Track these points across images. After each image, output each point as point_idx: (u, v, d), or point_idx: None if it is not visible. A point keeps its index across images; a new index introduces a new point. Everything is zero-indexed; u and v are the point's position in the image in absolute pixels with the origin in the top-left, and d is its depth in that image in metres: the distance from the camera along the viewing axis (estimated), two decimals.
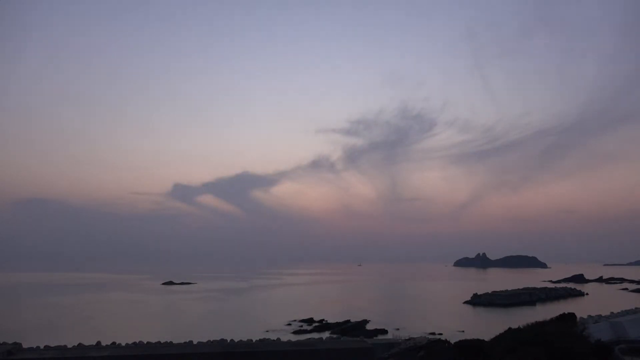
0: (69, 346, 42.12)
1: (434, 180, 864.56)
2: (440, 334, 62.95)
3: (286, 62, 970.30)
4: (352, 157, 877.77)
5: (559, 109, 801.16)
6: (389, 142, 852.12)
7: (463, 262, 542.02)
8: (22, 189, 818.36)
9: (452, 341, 35.17)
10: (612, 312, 63.96)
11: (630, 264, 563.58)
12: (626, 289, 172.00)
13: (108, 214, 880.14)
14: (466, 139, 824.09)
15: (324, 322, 79.68)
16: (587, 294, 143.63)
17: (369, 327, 73.23)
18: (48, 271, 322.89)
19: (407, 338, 48.35)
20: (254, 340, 45.61)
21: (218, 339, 46.85)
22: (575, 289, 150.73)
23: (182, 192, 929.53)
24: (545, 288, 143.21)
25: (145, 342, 45.50)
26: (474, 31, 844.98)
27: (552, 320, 31.00)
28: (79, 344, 43.81)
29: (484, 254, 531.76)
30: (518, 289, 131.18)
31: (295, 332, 69.39)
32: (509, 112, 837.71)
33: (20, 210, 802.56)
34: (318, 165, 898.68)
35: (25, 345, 41.50)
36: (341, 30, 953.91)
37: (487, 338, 30.48)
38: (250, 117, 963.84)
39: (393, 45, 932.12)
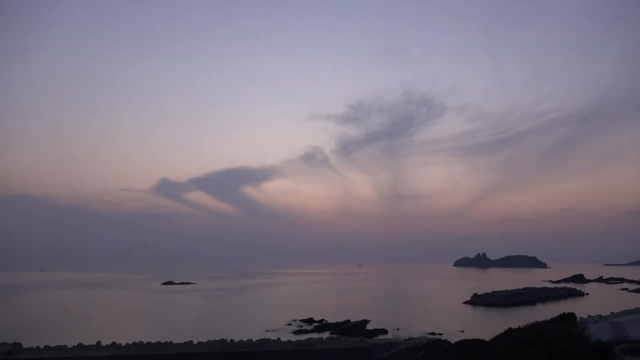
0: (69, 346, 42.12)
1: (436, 177, 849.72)
2: (440, 334, 62.95)
3: (273, 43, 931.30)
4: (348, 148, 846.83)
5: (577, 94, 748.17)
6: (388, 132, 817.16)
7: (463, 262, 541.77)
8: (7, 186, 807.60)
9: (452, 341, 35.27)
10: (612, 312, 64.06)
11: (630, 264, 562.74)
12: (626, 289, 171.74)
13: (96, 211, 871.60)
14: (474, 129, 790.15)
15: (324, 322, 79.56)
16: (587, 294, 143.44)
17: (369, 327, 73.06)
18: (41, 270, 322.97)
19: (407, 338, 48.52)
20: (254, 340, 45.64)
21: (218, 339, 46.92)
22: (575, 289, 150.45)
23: (168, 188, 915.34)
24: (545, 288, 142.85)
25: (145, 342, 45.54)
26: None
27: (552, 320, 31.02)
28: (79, 344, 43.83)
29: (484, 254, 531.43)
30: (518, 289, 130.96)
31: (295, 332, 69.26)
32: (523, 97, 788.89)
33: (6, 208, 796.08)
34: (311, 158, 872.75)
35: (25, 345, 41.52)
36: None
37: (487, 338, 30.52)
38: (240, 108, 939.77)
39: (390, 9, 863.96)
